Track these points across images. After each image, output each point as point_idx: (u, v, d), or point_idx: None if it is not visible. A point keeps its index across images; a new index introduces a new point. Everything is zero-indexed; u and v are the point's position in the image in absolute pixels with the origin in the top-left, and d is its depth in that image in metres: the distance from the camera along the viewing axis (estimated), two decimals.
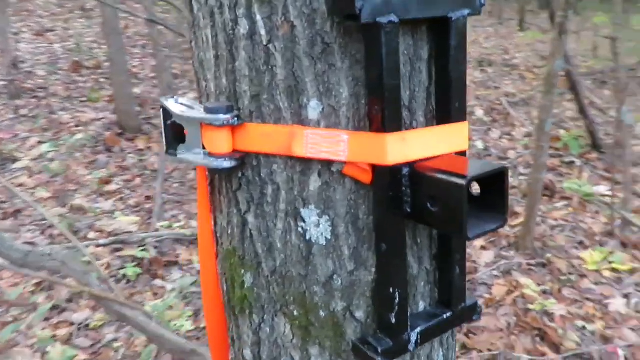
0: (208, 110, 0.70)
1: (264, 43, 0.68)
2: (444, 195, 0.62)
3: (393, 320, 0.71)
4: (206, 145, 0.74)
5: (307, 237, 0.74)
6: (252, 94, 0.71)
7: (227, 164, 0.72)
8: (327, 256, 0.74)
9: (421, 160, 0.67)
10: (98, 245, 3.26)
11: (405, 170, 0.67)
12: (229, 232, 0.83)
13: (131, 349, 2.52)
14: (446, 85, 0.68)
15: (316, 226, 0.73)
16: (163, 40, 5.58)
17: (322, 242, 0.73)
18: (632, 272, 3.19)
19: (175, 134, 0.78)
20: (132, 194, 3.98)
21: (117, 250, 3.26)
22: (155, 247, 3.29)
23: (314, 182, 0.71)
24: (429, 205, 0.65)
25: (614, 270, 3.20)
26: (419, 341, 0.74)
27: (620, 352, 2.61)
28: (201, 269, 0.93)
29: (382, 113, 0.64)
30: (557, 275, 3.17)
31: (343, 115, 0.68)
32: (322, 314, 0.76)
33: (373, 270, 0.74)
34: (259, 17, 0.67)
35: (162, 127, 0.79)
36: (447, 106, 0.69)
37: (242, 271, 0.82)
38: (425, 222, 0.68)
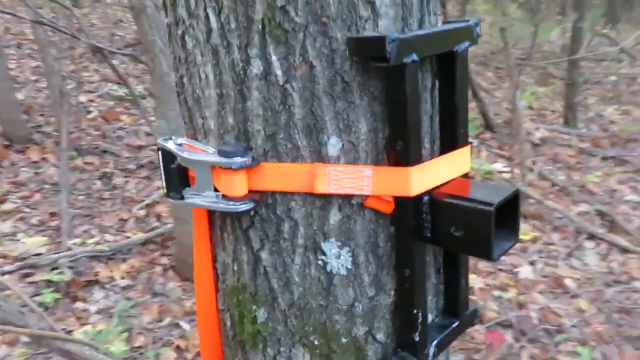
0: (223, 154, 0.68)
1: (281, 83, 0.67)
2: (471, 221, 0.66)
3: (417, 339, 0.75)
4: (220, 188, 0.72)
5: (328, 269, 0.75)
6: (268, 133, 0.70)
7: (244, 206, 0.71)
8: (348, 285, 0.75)
9: (437, 187, 0.71)
10: (4, 273, 2.97)
11: (426, 199, 0.70)
12: (235, 268, 0.81)
13: None
14: (453, 113, 0.72)
15: (337, 257, 0.74)
16: (44, 39, 5.14)
17: (343, 272, 0.75)
18: (534, 240, 3.53)
19: (178, 177, 0.74)
20: (34, 211, 3.66)
21: (27, 275, 3.00)
22: (71, 268, 3.07)
23: (334, 216, 0.72)
24: (452, 230, 0.69)
25: (518, 240, 3.52)
26: (436, 353, 0.79)
27: (534, 315, 2.90)
28: (198, 306, 0.91)
29: (406, 148, 0.66)
30: None
31: (362, 150, 0.70)
32: (343, 340, 0.77)
33: (392, 293, 0.77)
34: (274, 58, 0.66)
35: (162, 170, 0.75)
36: (454, 133, 0.73)
37: (254, 307, 0.81)
38: (447, 246, 0.72)
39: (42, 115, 5.09)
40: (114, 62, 4.96)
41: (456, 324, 0.82)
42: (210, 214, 0.81)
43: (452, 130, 0.73)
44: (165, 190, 0.76)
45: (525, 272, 3.21)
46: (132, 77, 5.94)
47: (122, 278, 3.09)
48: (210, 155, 0.70)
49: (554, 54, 8.09)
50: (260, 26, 0.66)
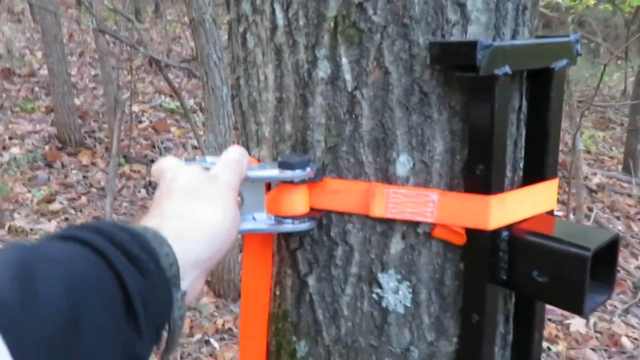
0: (286, 166, 0.60)
1: (349, 89, 0.60)
2: (560, 266, 0.56)
3: None
4: (278, 207, 0.63)
5: (383, 304, 0.65)
6: (329, 145, 0.62)
7: (305, 225, 0.63)
8: (404, 325, 0.66)
9: (517, 223, 0.61)
10: None
11: (504, 234, 0.60)
12: (277, 293, 0.73)
13: None
14: (543, 140, 0.63)
15: (394, 292, 0.65)
16: (104, 49, 5.30)
17: (400, 310, 0.65)
18: None
19: None
20: (78, 214, 3.70)
21: None
22: None
23: (396, 245, 0.63)
24: (534, 274, 0.59)
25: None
26: None
27: None
28: (244, 335, 0.80)
29: (487, 174, 0.57)
30: None
31: (435, 172, 0.61)
32: None
33: (454, 340, 0.67)
34: (344, 61, 0.59)
35: None
36: (542, 162, 0.64)
37: (294, 338, 0.72)
38: (526, 292, 0.62)
39: (96, 121, 5.23)
40: (169, 75, 5.06)
41: None
42: None
43: (539, 159, 0.64)
44: None
45: (577, 325, 2.99)
46: (185, 91, 6.05)
47: None
48: (272, 170, 0.62)
49: (613, 98, 7.80)
50: (332, 24, 0.58)
